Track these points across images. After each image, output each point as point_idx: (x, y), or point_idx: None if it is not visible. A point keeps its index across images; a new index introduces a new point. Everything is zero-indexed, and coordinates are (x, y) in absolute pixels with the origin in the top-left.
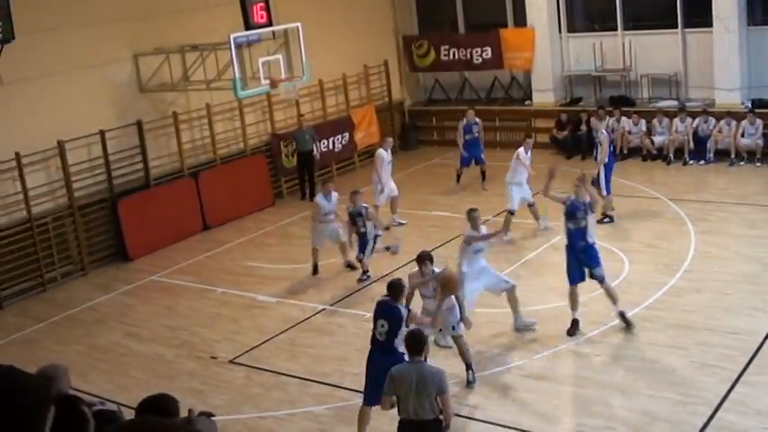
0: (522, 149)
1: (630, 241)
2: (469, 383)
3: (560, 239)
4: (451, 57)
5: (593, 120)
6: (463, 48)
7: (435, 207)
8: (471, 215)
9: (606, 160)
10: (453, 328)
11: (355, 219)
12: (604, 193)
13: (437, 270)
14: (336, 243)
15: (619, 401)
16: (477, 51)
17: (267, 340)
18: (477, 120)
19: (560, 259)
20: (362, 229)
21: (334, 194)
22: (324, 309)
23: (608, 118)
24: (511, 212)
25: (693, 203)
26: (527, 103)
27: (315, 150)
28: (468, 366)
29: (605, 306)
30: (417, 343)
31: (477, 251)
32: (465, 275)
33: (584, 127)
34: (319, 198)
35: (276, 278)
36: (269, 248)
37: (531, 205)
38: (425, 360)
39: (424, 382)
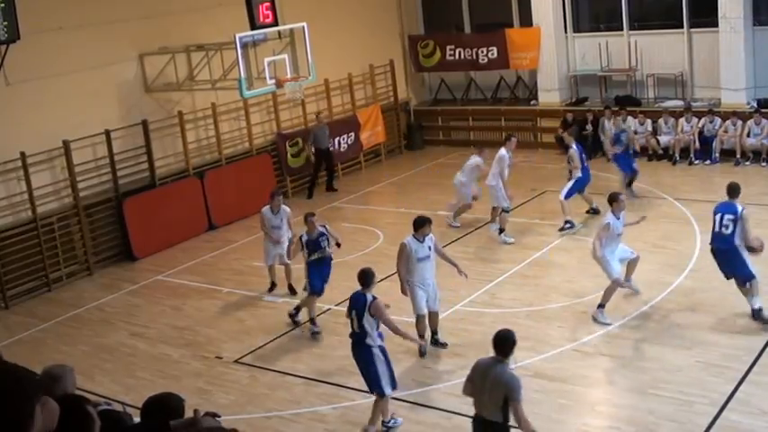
0: (504, 150)
1: (636, 241)
2: (438, 344)
3: (565, 240)
4: (457, 57)
5: (565, 134)
6: (469, 48)
7: (441, 207)
8: (617, 199)
9: (580, 174)
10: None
11: (319, 242)
12: (561, 197)
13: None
14: (282, 265)
15: (624, 401)
16: (482, 51)
17: (272, 340)
18: (625, 126)
19: (565, 259)
20: (327, 251)
21: (285, 209)
22: (329, 309)
23: (614, 118)
24: (506, 210)
25: (699, 203)
26: (533, 102)
27: (330, 147)
28: (435, 332)
29: (613, 307)
30: (503, 342)
31: (618, 234)
32: (605, 259)
33: (589, 127)
34: (264, 210)
35: (282, 278)
36: None
37: (495, 208)
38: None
39: (495, 382)
